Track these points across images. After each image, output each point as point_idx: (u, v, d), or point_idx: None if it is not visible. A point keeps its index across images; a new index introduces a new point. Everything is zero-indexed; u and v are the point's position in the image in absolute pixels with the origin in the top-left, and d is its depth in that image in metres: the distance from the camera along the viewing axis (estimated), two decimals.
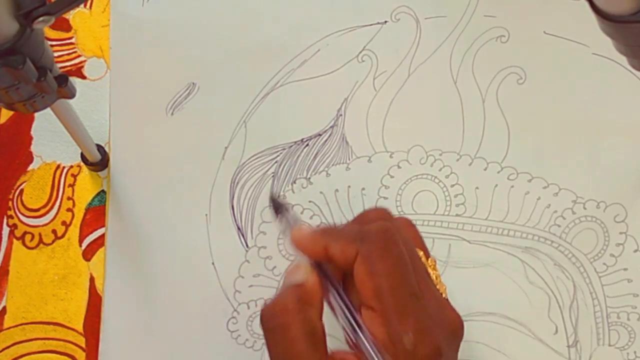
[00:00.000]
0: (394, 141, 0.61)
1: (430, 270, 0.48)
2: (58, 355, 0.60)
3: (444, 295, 0.47)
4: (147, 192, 0.62)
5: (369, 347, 0.42)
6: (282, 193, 0.61)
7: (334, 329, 0.46)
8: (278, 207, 0.53)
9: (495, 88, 0.61)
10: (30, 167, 0.64)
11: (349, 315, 0.44)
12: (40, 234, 0.62)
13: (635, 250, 0.57)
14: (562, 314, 0.56)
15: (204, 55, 0.65)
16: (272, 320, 0.45)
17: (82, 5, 0.68)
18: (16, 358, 0.60)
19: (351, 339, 0.44)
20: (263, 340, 0.57)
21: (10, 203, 0.64)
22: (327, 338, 0.45)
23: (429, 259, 0.49)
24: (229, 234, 0.60)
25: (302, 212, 0.60)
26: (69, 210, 0.63)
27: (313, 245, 0.47)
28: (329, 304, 0.46)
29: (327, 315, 0.46)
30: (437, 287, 0.47)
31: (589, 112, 0.60)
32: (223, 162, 0.62)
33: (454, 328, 0.46)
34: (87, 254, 0.62)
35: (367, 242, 0.45)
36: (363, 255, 0.44)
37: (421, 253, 0.48)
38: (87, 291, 0.61)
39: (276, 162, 0.62)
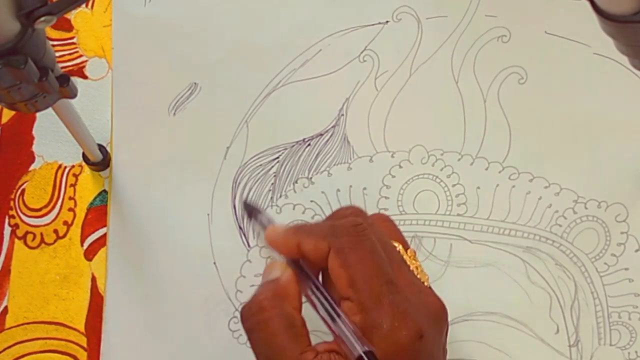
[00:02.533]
0: (396, 141, 0.61)
1: (409, 260, 0.48)
2: (60, 355, 0.60)
3: (426, 284, 0.48)
4: (149, 191, 0.62)
5: (347, 333, 0.43)
6: (276, 196, 0.61)
7: (320, 325, 0.46)
8: (250, 210, 0.54)
9: (497, 88, 0.61)
10: (31, 167, 0.65)
11: (327, 305, 0.45)
12: (41, 234, 0.63)
13: (637, 250, 0.57)
14: (564, 314, 0.56)
15: (206, 56, 0.65)
16: (250, 319, 0.46)
17: (83, 5, 0.68)
18: (18, 358, 0.60)
19: (332, 330, 0.44)
20: None
21: (11, 203, 0.64)
22: (316, 335, 0.46)
23: (408, 250, 0.49)
24: (231, 233, 0.60)
25: (303, 212, 0.60)
26: (70, 210, 0.63)
27: (286, 242, 0.48)
28: (309, 299, 0.47)
29: (313, 313, 0.47)
30: (419, 276, 0.48)
31: (590, 112, 0.60)
32: (225, 162, 0.62)
33: (435, 311, 0.46)
34: (89, 254, 0.62)
35: (338, 236, 0.46)
36: (335, 249, 0.45)
37: (399, 245, 0.49)
38: (89, 291, 0.61)
39: (278, 161, 0.62)
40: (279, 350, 0.44)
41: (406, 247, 0.49)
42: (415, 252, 0.50)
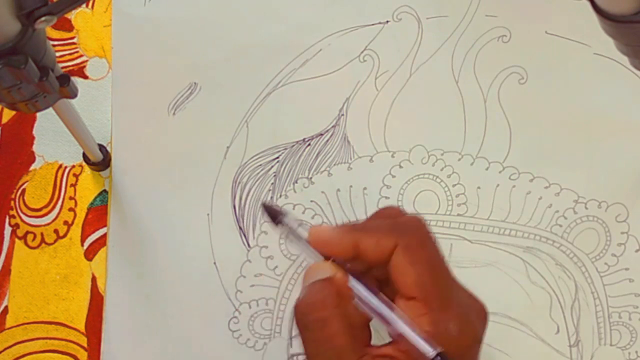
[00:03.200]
0: (396, 141, 0.61)
1: None
2: (60, 355, 0.60)
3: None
4: (149, 191, 0.62)
5: (414, 334, 0.42)
6: (276, 196, 0.61)
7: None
8: (274, 213, 0.51)
9: (497, 88, 0.61)
10: (32, 167, 0.65)
11: (384, 306, 0.44)
12: (42, 234, 0.63)
13: (637, 250, 0.57)
14: (564, 314, 0.56)
15: (206, 55, 0.65)
16: (309, 315, 0.43)
17: (84, 5, 0.68)
18: (18, 358, 0.60)
19: (392, 331, 0.43)
20: (264, 340, 0.57)
21: (12, 203, 0.64)
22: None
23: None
24: (231, 233, 0.60)
25: (303, 212, 0.60)
26: (71, 210, 0.63)
27: (341, 242, 0.45)
28: (363, 301, 0.45)
29: None
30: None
31: (591, 112, 0.60)
32: (225, 162, 0.62)
33: (484, 316, 0.45)
34: (89, 254, 0.62)
35: (405, 233, 0.44)
36: (403, 246, 0.43)
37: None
38: (89, 291, 0.61)
39: (278, 161, 0.62)
40: (338, 352, 0.42)
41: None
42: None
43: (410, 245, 0.44)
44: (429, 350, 0.41)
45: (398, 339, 0.43)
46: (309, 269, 0.47)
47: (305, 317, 0.44)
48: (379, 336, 0.50)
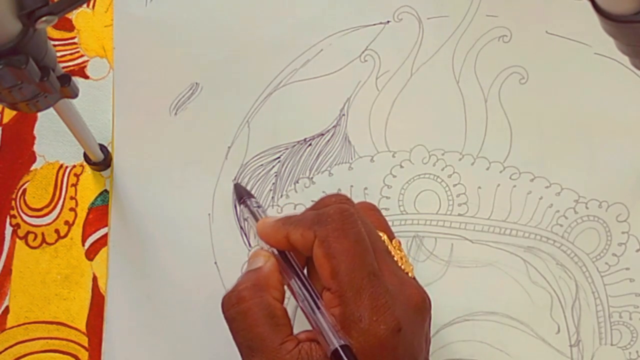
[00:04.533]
0: (397, 141, 0.61)
1: (393, 251, 0.48)
2: (61, 355, 0.60)
3: (410, 275, 0.48)
4: (150, 191, 0.62)
5: (325, 325, 0.43)
6: (277, 196, 0.61)
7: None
8: (240, 193, 0.55)
9: (498, 88, 0.61)
10: (33, 167, 0.65)
11: (307, 296, 0.45)
12: (43, 234, 0.63)
13: (638, 250, 0.57)
14: (565, 314, 0.56)
15: (207, 55, 0.65)
16: (230, 309, 0.46)
17: (84, 5, 0.68)
18: (19, 357, 0.60)
19: (310, 321, 0.44)
20: None
21: (13, 202, 0.64)
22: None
23: (393, 241, 0.49)
24: (232, 233, 0.60)
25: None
26: (71, 209, 0.63)
27: (275, 234, 0.48)
28: (290, 290, 0.47)
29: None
30: (403, 267, 0.48)
31: (591, 112, 0.60)
32: (226, 162, 0.62)
33: (415, 302, 0.45)
34: (90, 254, 0.62)
35: (324, 224, 0.45)
36: (320, 238, 0.45)
37: (383, 235, 0.48)
38: (90, 291, 0.61)
39: (279, 161, 0.62)
40: (259, 340, 0.44)
41: (391, 237, 0.49)
42: (400, 243, 0.50)
43: (327, 237, 0.45)
44: (333, 341, 0.42)
45: (314, 328, 0.44)
46: (249, 257, 0.50)
47: (228, 311, 0.46)
48: None
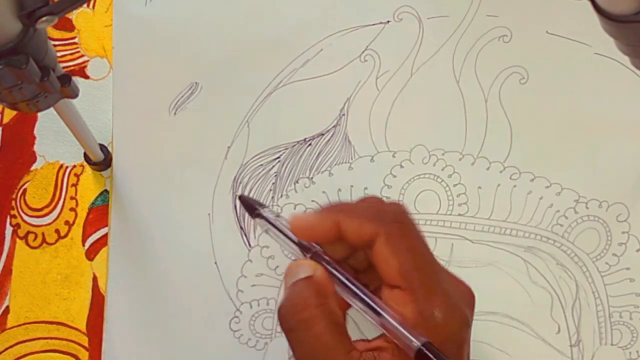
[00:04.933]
0: (397, 141, 0.61)
1: None
2: (61, 355, 0.60)
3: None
4: (150, 191, 0.62)
5: (398, 326, 0.42)
6: (277, 196, 0.61)
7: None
8: (251, 206, 0.51)
9: (498, 88, 0.61)
10: (33, 167, 0.65)
11: (368, 298, 0.43)
12: (43, 234, 0.63)
13: (638, 250, 0.57)
14: (565, 314, 0.56)
15: (207, 55, 0.65)
16: (293, 317, 0.43)
17: (85, 5, 0.68)
18: (19, 357, 0.60)
19: (377, 323, 0.43)
20: (265, 340, 0.57)
21: (13, 202, 0.64)
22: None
23: None
24: (232, 233, 0.60)
25: (304, 212, 0.60)
26: (72, 209, 0.63)
27: (322, 224, 0.45)
28: (344, 294, 0.45)
29: None
30: None
31: (592, 112, 0.60)
32: (226, 162, 0.62)
33: (470, 298, 0.45)
34: (90, 254, 0.62)
35: (388, 221, 0.44)
36: (386, 234, 0.43)
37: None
38: (90, 290, 0.61)
39: (279, 161, 0.62)
40: (325, 351, 0.42)
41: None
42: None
43: (393, 234, 0.43)
44: (413, 340, 0.41)
45: (385, 330, 0.43)
46: (289, 268, 0.46)
47: (289, 320, 0.43)
48: (359, 331, 0.50)
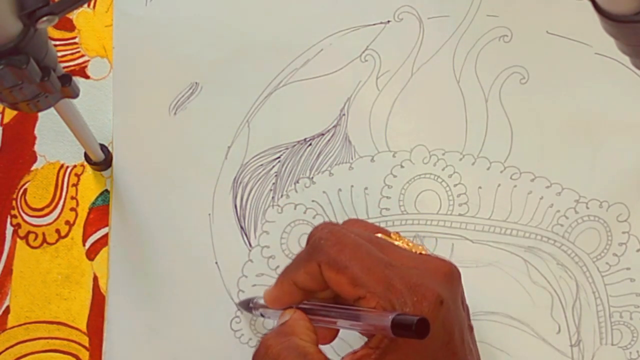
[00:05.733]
0: (397, 141, 0.61)
1: (396, 241, 0.48)
2: (62, 355, 0.60)
3: (423, 252, 0.48)
4: (151, 191, 0.62)
5: (374, 315, 0.42)
6: (277, 196, 0.61)
7: None
8: (246, 305, 0.55)
9: (498, 87, 0.61)
10: (34, 167, 0.65)
11: (344, 312, 0.44)
12: (43, 234, 0.63)
13: (638, 250, 0.57)
14: (565, 313, 0.56)
15: (207, 55, 0.65)
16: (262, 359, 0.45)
17: (85, 5, 0.68)
18: (20, 357, 0.60)
19: (362, 329, 0.44)
20: None
21: (14, 202, 0.64)
22: None
23: (392, 234, 0.49)
24: (232, 233, 0.60)
25: (305, 212, 0.60)
26: (72, 209, 0.63)
27: (282, 291, 0.48)
28: (329, 325, 0.46)
29: None
30: (413, 249, 0.48)
31: (592, 112, 0.60)
32: (226, 162, 0.62)
33: (444, 272, 0.45)
34: (91, 254, 0.62)
35: (319, 248, 0.45)
36: (323, 261, 0.45)
37: (379, 234, 0.49)
38: (91, 290, 0.61)
39: (279, 161, 0.62)
40: None
41: (387, 233, 0.50)
42: (399, 233, 0.50)
43: (329, 257, 0.45)
44: (386, 318, 0.41)
45: (367, 328, 0.43)
46: (277, 321, 0.49)
47: None
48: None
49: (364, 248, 0.45)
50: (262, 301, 0.52)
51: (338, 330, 0.49)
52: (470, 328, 0.48)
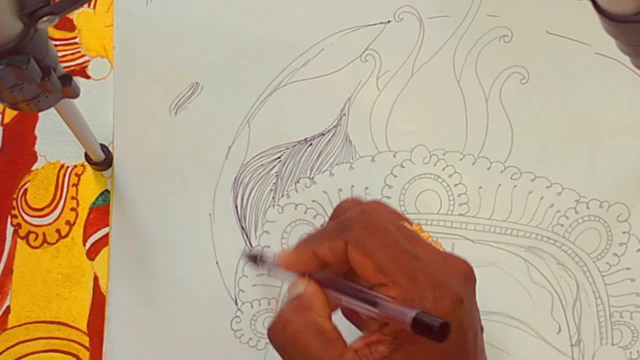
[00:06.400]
0: (397, 141, 0.61)
1: (419, 233, 0.48)
2: (62, 355, 0.60)
3: (442, 249, 0.48)
4: (151, 191, 0.62)
5: (393, 306, 0.42)
6: (278, 196, 0.61)
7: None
8: (254, 257, 0.54)
9: (499, 87, 0.61)
10: (34, 167, 0.65)
11: (362, 296, 0.44)
12: (44, 234, 0.63)
13: (638, 250, 0.57)
14: (565, 313, 0.56)
15: (208, 55, 0.65)
16: (279, 336, 0.45)
17: (85, 5, 0.68)
18: (20, 357, 0.60)
19: (377, 316, 0.43)
20: (266, 340, 0.57)
21: (14, 202, 0.64)
22: None
23: (413, 225, 0.49)
24: (233, 233, 0.60)
25: (305, 212, 0.60)
26: (72, 209, 0.63)
27: (301, 258, 0.47)
28: (343, 303, 0.46)
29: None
30: (433, 245, 0.47)
31: (592, 112, 0.60)
32: (227, 162, 0.62)
33: (464, 273, 0.45)
34: (91, 254, 0.62)
35: (349, 228, 0.45)
36: (352, 241, 0.44)
37: (404, 222, 0.48)
38: (91, 290, 0.61)
39: (280, 161, 0.62)
40: (315, 359, 0.43)
41: (410, 222, 0.49)
42: (420, 226, 0.50)
43: (358, 238, 0.44)
44: (407, 313, 0.40)
45: (383, 317, 0.43)
46: (288, 288, 0.49)
47: (276, 339, 0.45)
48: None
49: (393, 236, 0.45)
50: (271, 258, 0.51)
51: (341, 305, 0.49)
52: (481, 329, 0.48)
